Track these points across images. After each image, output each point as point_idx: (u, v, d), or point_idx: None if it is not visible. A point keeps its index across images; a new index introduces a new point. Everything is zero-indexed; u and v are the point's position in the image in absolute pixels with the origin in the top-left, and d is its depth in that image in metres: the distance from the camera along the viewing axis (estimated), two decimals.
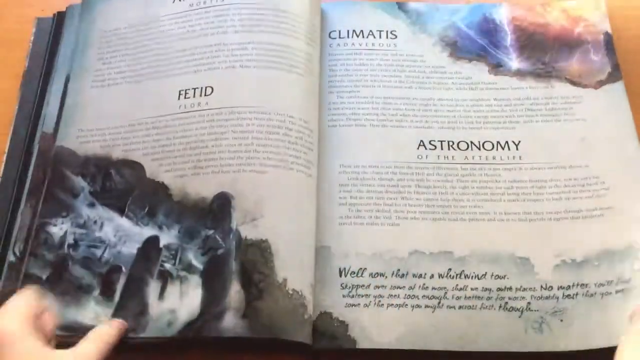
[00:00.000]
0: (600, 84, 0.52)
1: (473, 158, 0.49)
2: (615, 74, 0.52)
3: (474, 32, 0.54)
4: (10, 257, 0.46)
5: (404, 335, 0.42)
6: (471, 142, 0.49)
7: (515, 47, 0.53)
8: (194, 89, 0.50)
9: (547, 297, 0.43)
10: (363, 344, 0.42)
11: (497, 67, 0.53)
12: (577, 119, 0.50)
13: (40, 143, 0.51)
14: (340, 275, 0.45)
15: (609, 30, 0.54)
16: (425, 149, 0.49)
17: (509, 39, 0.54)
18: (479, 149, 0.49)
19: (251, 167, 0.46)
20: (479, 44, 0.53)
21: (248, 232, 0.44)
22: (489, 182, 0.48)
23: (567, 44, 0.53)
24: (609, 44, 0.53)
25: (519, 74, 0.52)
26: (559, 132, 0.50)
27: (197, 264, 0.44)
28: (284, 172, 0.46)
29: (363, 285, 0.44)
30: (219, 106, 0.49)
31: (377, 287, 0.44)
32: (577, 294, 0.43)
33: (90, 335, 0.38)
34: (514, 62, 0.53)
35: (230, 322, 0.42)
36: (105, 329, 0.40)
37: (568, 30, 0.54)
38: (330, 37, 0.54)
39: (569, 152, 0.49)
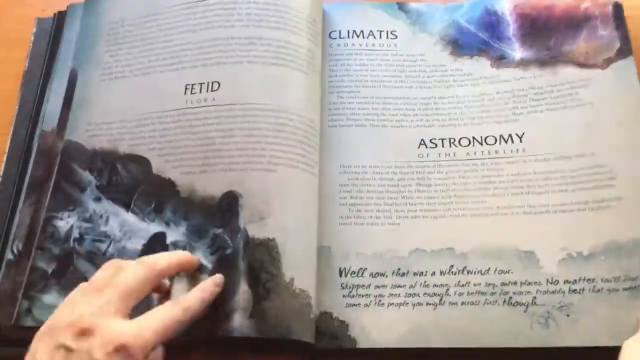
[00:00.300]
0: (609, 62, 0.50)
1: (475, 154, 0.48)
2: (625, 49, 0.50)
3: (475, 26, 0.53)
4: (9, 255, 0.46)
5: (405, 333, 0.42)
6: (473, 138, 0.49)
7: (518, 37, 0.52)
8: (201, 84, 0.49)
9: (553, 292, 0.42)
10: (363, 343, 0.42)
11: (499, 59, 0.52)
12: (583, 104, 0.48)
13: (40, 141, 0.50)
14: (341, 275, 0.44)
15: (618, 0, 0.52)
16: (426, 147, 0.49)
17: (511, 29, 0.52)
18: (481, 144, 0.48)
19: (259, 165, 0.45)
20: (480, 39, 0.53)
21: (256, 231, 0.43)
22: (492, 177, 0.47)
23: (573, 22, 0.51)
24: (618, 14, 0.51)
25: (522, 63, 0.51)
26: (564, 119, 0.48)
27: (207, 263, 0.43)
28: (292, 170, 0.45)
29: (363, 285, 0.44)
30: (226, 102, 0.48)
31: (378, 286, 0.43)
32: (583, 289, 0.42)
33: (157, 311, 0.37)
34: (517, 52, 0.51)
35: (238, 322, 0.41)
36: (171, 307, 0.38)
37: (573, 7, 0.52)
38: (330, 37, 0.54)
39: (575, 140, 0.47)
